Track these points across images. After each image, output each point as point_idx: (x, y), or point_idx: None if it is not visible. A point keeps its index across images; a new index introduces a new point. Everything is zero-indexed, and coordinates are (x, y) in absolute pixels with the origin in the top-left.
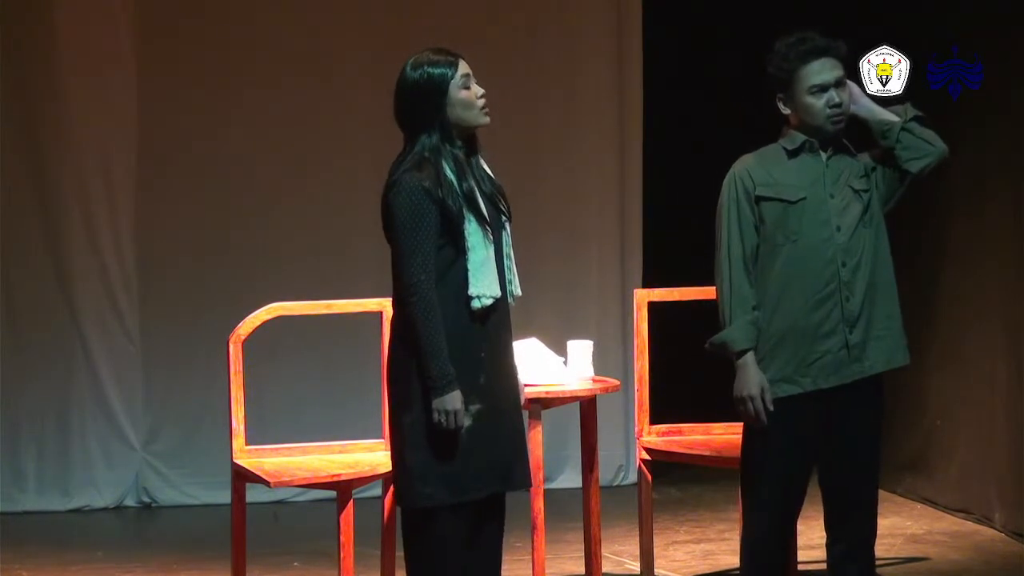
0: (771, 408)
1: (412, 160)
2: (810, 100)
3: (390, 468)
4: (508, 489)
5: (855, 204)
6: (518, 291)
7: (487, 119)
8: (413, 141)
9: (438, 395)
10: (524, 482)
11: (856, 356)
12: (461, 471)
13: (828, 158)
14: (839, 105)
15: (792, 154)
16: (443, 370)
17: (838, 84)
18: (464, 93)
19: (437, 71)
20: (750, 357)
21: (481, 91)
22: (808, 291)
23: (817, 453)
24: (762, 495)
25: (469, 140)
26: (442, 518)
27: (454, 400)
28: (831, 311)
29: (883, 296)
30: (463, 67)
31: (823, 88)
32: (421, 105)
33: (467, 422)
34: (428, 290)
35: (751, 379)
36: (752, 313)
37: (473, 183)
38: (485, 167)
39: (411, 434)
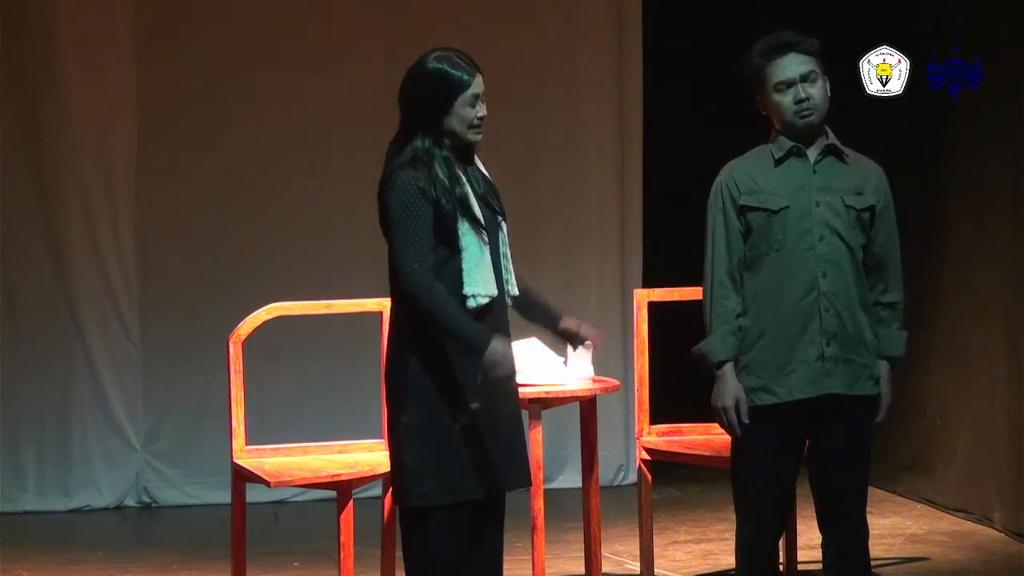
0: (746, 420)
1: (406, 157)
2: (777, 98)
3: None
4: (506, 489)
5: (842, 214)
6: (515, 291)
7: (477, 138)
8: (408, 133)
9: (484, 349)
10: (522, 482)
11: (829, 370)
12: (458, 471)
13: (816, 163)
14: (806, 100)
15: (779, 161)
16: (474, 329)
17: (805, 79)
18: (467, 110)
19: (455, 74)
20: (728, 368)
21: (484, 112)
22: (789, 300)
23: (803, 456)
24: (750, 500)
25: (465, 149)
26: (439, 518)
27: (502, 346)
28: (810, 321)
29: (866, 314)
30: (478, 84)
31: (788, 84)
32: (428, 98)
33: (464, 422)
34: (423, 275)
35: (727, 390)
36: (734, 323)
37: (467, 188)
38: (480, 167)
39: (407, 433)
